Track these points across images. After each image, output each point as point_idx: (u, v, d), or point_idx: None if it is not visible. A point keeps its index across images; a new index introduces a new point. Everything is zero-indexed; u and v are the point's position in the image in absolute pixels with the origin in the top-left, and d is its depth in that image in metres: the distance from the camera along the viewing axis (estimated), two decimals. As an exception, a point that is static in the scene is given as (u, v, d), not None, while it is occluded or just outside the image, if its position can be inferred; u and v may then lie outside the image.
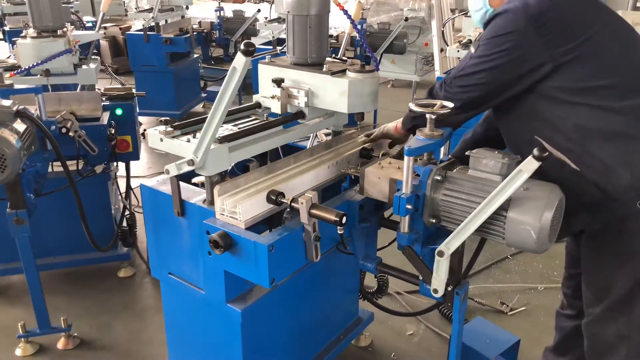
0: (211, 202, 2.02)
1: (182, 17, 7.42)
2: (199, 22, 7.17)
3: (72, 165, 3.04)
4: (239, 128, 2.20)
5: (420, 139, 1.88)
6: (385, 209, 2.31)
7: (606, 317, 2.00)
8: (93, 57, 4.38)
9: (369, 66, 2.22)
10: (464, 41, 4.88)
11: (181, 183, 2.11)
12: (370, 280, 3.13)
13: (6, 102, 2.50)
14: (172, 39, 6.28)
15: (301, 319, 2.50)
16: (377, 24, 6.50)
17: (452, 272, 1.90)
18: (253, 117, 2.39)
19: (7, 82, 3.11)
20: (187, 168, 1.92)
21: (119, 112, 3.35)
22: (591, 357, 2.12)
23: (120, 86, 3.57)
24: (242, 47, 1.68)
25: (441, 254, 1.84)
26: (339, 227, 1.84)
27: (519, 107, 1.98)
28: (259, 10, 7.04)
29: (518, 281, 3.72)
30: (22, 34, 3.76)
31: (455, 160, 1.99)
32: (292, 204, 1.89)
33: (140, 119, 6.24)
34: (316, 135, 2.76)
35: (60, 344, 3.04)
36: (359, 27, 2.85)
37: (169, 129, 2.05)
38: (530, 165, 1.61)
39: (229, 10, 7.36)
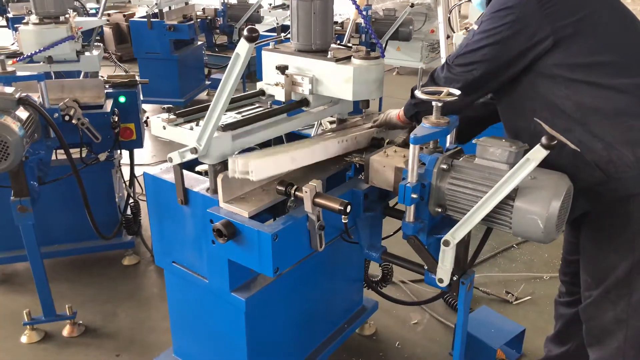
0: (215, 191, 2.00)
1: (186, 3, 7.36)
2: (203, 9, 7.12)
3: (75, 153, 3.03)
4: (242, 116, 2.18)
5: (426, 127, 1.85)
6: (390, 197, 2.28)
7: (604, 301, 1.97)
8: (96, 44, 4.36)
9: (374, 53, 2.19)
10: (470, 28, 4.82)
11: (184, 171, 2.09)
12: (375, 269, 3.12)
13: (9, 90, 2.48)
14: (176, 26, 6.24)
15: (305, 308, 2.50)
16: (383, 10, 6.42)
17: (458, 262, 1.89)
18: (257, 105, 2.36)
19: (9, 69, 3.09)
20: (190, 156, 1.90)
21: (122, 99, 3.34)
22: (589, 342, 2.10)
23: (123, 73, 3.55)
24: (245, 33, 1.65)
25: (447, 243, 1.82)
26: (343, 216, 1.82)
27: (519, 89, 1.96)
28: (263, -3, 7.00)
29: (523, 270, 3.70)
30: (25, 21, 3.74)
31: (462, 148, 1.96)
32: (296, 192, 1.88)
33: (144, 106, 6.25)
34: (320, 124, 2.74)
35: (65, 332, 3.06)
36: (364, 13, 2.81)
37: (172, 116, 2.04)
38: (538, 153, 1.58)
39: (232, -4, 7.31)
